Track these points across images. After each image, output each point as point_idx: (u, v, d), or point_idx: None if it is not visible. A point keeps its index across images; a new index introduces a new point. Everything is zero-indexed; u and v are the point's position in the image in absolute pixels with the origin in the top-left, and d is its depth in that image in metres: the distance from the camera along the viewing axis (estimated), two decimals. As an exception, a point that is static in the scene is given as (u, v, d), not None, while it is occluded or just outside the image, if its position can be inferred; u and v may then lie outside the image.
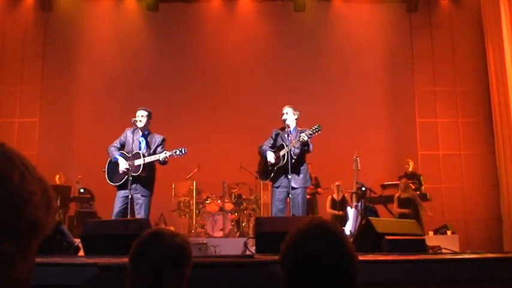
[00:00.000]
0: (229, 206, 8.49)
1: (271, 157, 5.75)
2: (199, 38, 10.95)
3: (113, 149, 5.79)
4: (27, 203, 0.73)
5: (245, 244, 5.16)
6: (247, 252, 4.76)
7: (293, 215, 5.55)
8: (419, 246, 4.44)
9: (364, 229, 4.75)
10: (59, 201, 8.53)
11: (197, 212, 8.59)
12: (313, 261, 1.25)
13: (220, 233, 8.05)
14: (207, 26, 11.04)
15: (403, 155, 9.99)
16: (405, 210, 8.39)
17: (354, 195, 8.12)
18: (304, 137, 5.46)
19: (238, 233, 8.40)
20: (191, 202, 8.66)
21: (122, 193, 5.61)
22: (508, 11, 9.40)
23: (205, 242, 7.25)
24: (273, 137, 5.95)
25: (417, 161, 10.17)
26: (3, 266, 0.70)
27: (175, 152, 5.54)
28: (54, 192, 0.81)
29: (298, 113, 5.91)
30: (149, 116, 5.83)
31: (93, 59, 10.73)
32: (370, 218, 4.94)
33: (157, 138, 5.82)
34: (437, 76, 10.91)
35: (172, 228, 7.00)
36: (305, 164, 5.81)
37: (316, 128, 5.51)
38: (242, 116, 10.39)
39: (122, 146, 5.82)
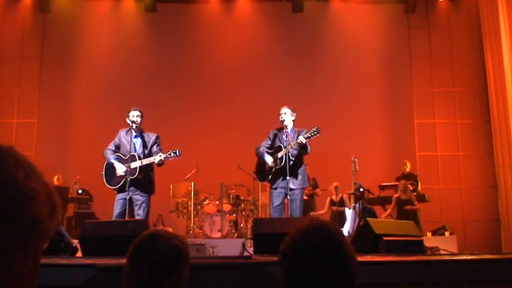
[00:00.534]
0: (227, 207, 8.48)
1: (269, 160, 5.75)
2: (198, 38, 10.94)
3: (108, 152, 5.78)
4: (30, 199, 0.74)
5: (243, 245, 5.15)
6: (245, 253, 4.75)
7: (291, 216, 5.54)
8: (418, 247, 4.45)
9: (363, 230, 4.76)
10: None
11: (195, 213, 8.58)
12: (312, 262, 1.25)
13: (218, 234, 8.04)
14: (205, 26, 11.04)
15: (401, 156, 9.98)
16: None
17: (352, 196, 8.11)
18: (302, 140, 5.45)
19: (236, 234, 8.38)
20: (189, 203, 8.64)
21: (120, 196, 5.61)
22: (506, 12, 9.42)
23: (203, 243, 7.25)
24: (271, 138, 5.93)
25: (415, 162, 10.17)
26: (3, 257, 0.71)
27: (170, 154, 5.55)
28: (59, 199, 0.81)
29: (295, 113, 5.90)
30: (142, 116, 5.84)
31: (91, 60, 10.71)
32: (368, 219, 4.94)
33: (151, 137, 5.82)
34: (435, 77, 10.91)
35: (170, 229, 7.01)
36: (303, 165, 5.79)
37: (314, 131, 5.48)
38: (240, 117, 10.40)
39: (117, 148, 5.81)
